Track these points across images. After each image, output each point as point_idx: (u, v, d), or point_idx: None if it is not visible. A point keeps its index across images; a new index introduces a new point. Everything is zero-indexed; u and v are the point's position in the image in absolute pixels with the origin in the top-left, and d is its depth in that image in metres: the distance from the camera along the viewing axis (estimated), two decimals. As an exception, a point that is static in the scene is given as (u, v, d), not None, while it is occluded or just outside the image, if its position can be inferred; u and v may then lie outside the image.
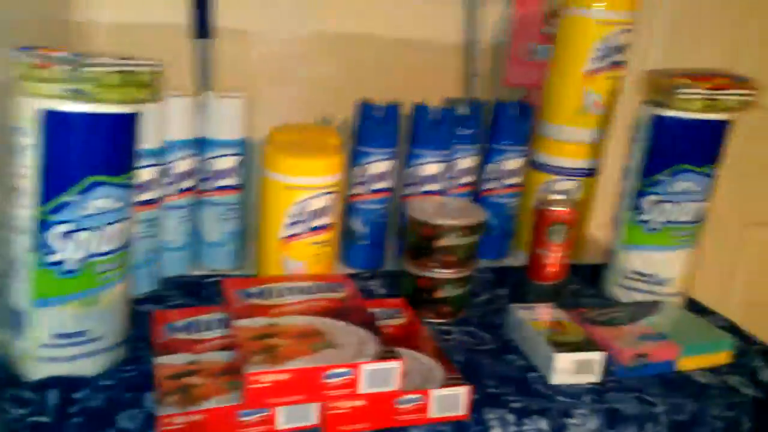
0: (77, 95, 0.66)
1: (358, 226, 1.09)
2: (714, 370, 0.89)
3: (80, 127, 0.68)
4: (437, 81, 1.22)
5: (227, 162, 1.01)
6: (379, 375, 0.70)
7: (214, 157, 1.00)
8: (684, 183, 0.98)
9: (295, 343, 0.72)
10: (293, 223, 0.92)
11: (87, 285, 0.72)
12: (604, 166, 1.16)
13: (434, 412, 0.74)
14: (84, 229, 0.70)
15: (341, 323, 0.77)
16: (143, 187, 0.90)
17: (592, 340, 0.86)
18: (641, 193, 1.01)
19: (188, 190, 0.99)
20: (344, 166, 1.01)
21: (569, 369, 0.83)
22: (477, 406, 0.76)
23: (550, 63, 1.14)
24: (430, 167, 1.07)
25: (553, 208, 0.97)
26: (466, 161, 1.12)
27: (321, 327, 0.76)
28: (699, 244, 1.03)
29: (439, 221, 0.92)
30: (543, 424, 0.77)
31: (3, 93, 0.70)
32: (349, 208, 1.09)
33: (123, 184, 0.73)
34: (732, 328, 0.99)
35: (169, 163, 0.96)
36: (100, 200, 0.70)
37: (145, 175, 0.90)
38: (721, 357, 0.91)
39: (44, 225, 0.69)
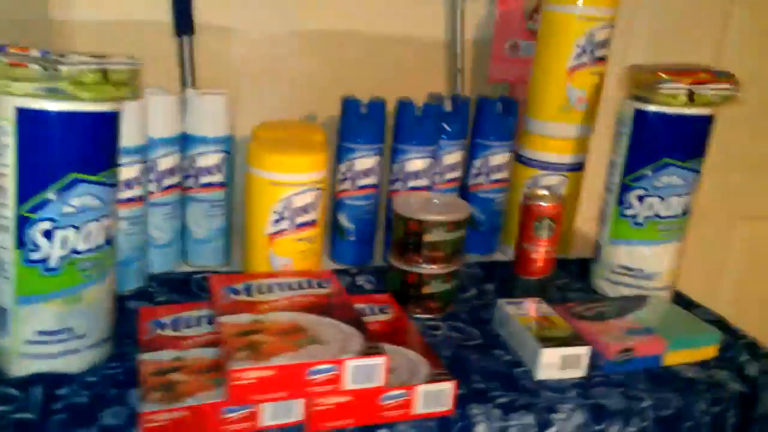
0: (53, 94, 0.66)
1: (346, 222, 1.08)
2: (701, 365, 0.89)
3: (57, 125, 0.68)
4: (421, 77, 1.22)
5: (212, 159, 1.00)
6: (363, 371, 0.70)
7: (198, 154, 1.00)
8: (668, 177, 0.98)
9: (280, 340, 0.72)
10: (278, 220, 0.92)
11: (69, 282, 0.72)
12: (590, 160, 1.16)
13: (419, 408, 0.74)
14: (65, 227, 0.70)
15: (326, 319, 0.77)
16: (127, 184, 0.90)
17: (578, 334, 0.86)
18: (626, 188, 1.01)
19: (173, 187, 0.99)
20: (330, 163, 1.01)
21: (555, 364, 0.83)
22: (463, 401, 0.76)
23: (533, 59, 1.14)
24: (416, 163, 1.07)
25: (539, 203, 0.98)
26: (451, 157, 1.12)
27: (306, 323, 0.76)
28: (685, 238, 1.03)
29: (425, 217, 0.92)
30: (529, 419, 0.77)
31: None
32: (336, 204, 1.09)
33: (103, 181, 0.72)
34: (719, 323, 0.99)
35: (153, 160, 0.95)
36: (81, 198, 0.70)
37: (128, 172, 0.89)
38: (708, 351, 0.91)
39: (25, 223, 0.69)
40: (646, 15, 1.33)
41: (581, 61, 1.07)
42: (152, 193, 0.97)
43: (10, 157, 0.68)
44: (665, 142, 0.97)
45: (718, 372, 0.88)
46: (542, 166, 1.14)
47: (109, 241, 0.76)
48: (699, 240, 1.19)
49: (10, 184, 0.68)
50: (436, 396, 0.74)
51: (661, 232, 1.01)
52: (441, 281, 0.95)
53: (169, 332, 0.80)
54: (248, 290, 0.83)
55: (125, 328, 0.82)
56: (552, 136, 1.12)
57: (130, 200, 0.91)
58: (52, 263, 0.70)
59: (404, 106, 1.07)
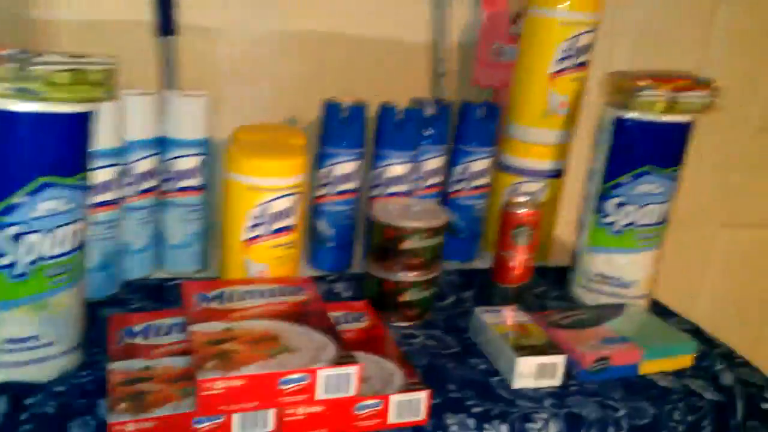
0: (24, 94, 0.65)
1: (324, 227, 1.08)
2: (677, 374, 0.89)
3: (28, 126, 0.66)
4: (404, 81, 1.21)
5: (190, 162, 0.99)
6: (336, 380, 0.69)
7: (176, 157, 0.98)
8: (647, 185, 0.98)
9: (251, 349, 0.71)
10: (255, 225, 0.91)
11: (37, 289, 0.70)
12: (570, 167, 1.16)
13: (393, 418, 0.73)
14: (34, 232, 0.68)
15: (300, 327, 0.76)
16: (102, 187, 0.88)
17: (554, 343, 0.86)
18: (604, 196, 1.00)
19: (149, 190, 0.98)
20: (309, 167, 1.00)
21: (531, 373, 0.82)
22: (437, 411, 0.76)
23: (516, 64, 1.13)
24: (396, 168, 1.07)
25: (517, 211, 0.97)
26: (432, 162, 1.11)
27: (279, 331, 0.75)
28: (663, 246, 1.03)
29: (403, 223, 0.92)
30: (503, 428, 0.76)
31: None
32: (315, 210, 1.08)
33: (75, 185, 0.71)
34: (695, 331, 1.00)
35: (130, 163, 0.94)
36: (51, 202, 0.69)
37: (103, 175, 0.88)
38: (684, 360, 0.91)
39: (-7, 227, 0.67)
40: (631, 19, 1.33)
41: (563, 66, 1.07)
42: (129, 196, 0.95)
43: (-19, 160, 0.66)
44: (644, 150, 0.97)
45: (693, 381, 0.88)
46: (523, 172, 1.13)
47: (80, 247, 0.74)
48: (678, 247, 1.19)
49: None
50: (410, 405, 0.73)
51: (638, 241, 1.01)
52: (419, 289, 0.94)
53: (139, 341, 0.79)
54: (221, 298, 0.82)
55: (96, 336, 0.81)
56: (533, 142, 1.12)
57: (104, 204, 0.89)
58: (20, 269, 0.69)
59: (385, 110, 1.06)
